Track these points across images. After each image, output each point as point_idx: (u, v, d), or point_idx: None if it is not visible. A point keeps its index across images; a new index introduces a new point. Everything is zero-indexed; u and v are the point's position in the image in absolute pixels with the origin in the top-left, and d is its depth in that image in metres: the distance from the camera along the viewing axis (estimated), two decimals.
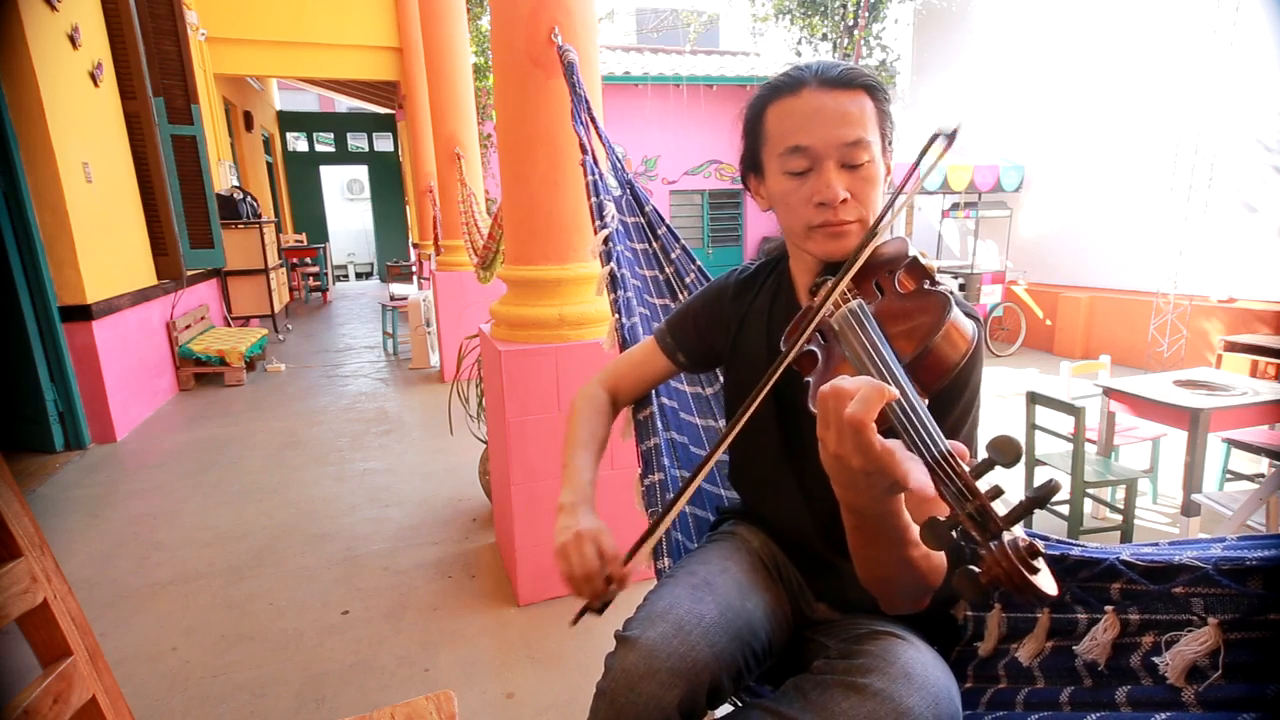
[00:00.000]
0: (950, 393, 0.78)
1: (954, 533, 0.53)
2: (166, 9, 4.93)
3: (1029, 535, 0.91)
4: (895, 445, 0.58)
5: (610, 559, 0.87)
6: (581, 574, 0.85)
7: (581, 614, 0.88)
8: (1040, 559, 0.50)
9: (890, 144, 0.86)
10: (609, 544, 0.88)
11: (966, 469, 0.54)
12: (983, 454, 0.54)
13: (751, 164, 0.92)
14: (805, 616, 0.98)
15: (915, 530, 0.68)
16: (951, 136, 0.71)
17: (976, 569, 0.51)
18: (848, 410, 0.58)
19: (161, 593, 2.32)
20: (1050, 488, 0.50)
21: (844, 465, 0.60)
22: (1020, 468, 2.77)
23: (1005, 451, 0.52)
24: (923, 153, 0.72)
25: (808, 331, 0.76)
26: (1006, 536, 0.50)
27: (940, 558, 0.72)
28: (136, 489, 3.23)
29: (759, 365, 0.97)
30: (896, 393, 0.59)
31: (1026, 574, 0.49)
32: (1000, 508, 0.52)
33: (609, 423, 1.10)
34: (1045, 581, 0.49)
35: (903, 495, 0.64)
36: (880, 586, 0.74)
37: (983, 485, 0.53)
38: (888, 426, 0.59)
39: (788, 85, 0.84)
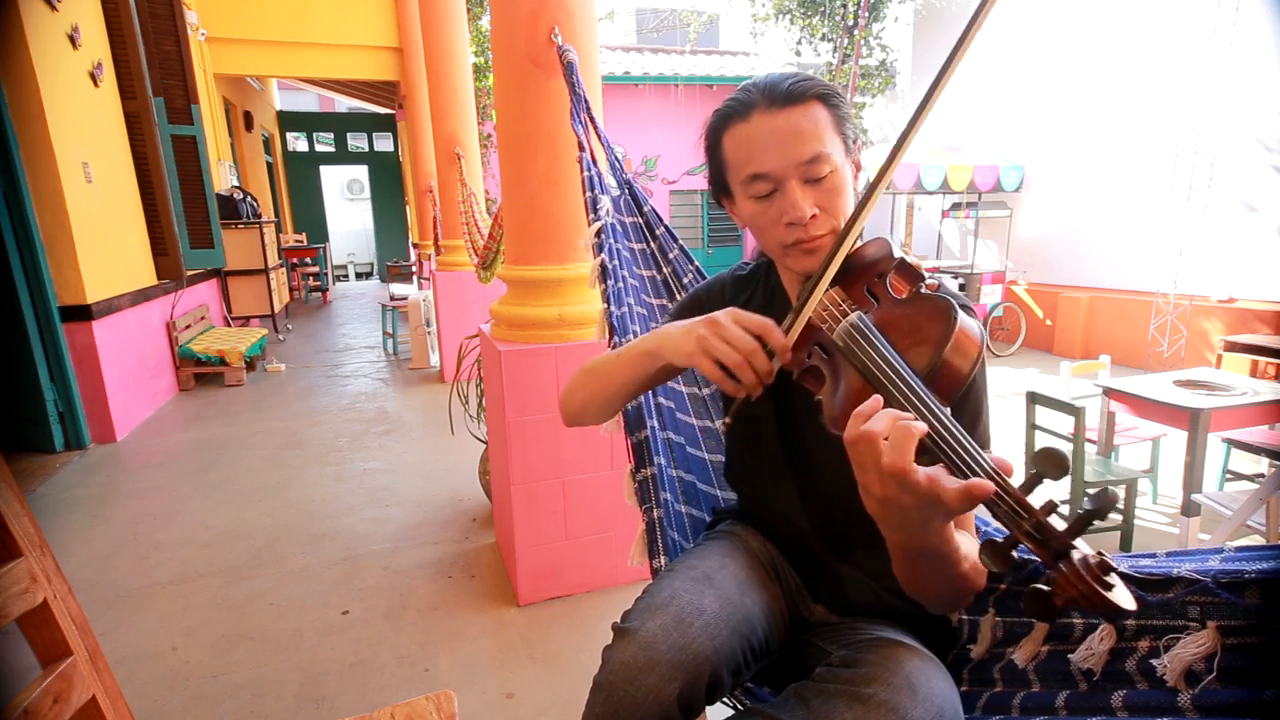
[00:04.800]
0: (964, 403, 0.79)
1: (1014, 552, 0.52)
2: (166, 9, 4.93)
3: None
4: (938, 473, 0.57)
5: (763, 329, 0.76)
6: (743, 356, 0.74)
7: (739, 407, 0.79)
8: (1113, 574, 0.49)
9: (854, 142, 0.85)
10: (751, 316, 0.77)
11: (1015, 486, 0.53)
12: (1029, 469, 0.53)
13: (720, 187, 0.91)
14: (803, 619, 0.98)
15: (963, 547, 0.68)
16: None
17: (1046, 588, 0.50)
18: (884, 460, 0.57)
19: (161, 593, 2.32)
20: (1109, 499, 0.49)
21: (893, 507, 0.59)
22: (1020, 468, 2.76)
23: (1052, 465, 0.51)
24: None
25: (796, 325, 0.76)
26: (1076, 554, 0.49)
27: (981, 565, 0.73)
28: (136, 489, 3.24)
29: None
30: (925, 428, 0.58)
31: (1104, 592, 0.48)
32: (1057, 522, 0.51)
33: None
34: (1122, 597, 0.49)
35: (952, 522, 0.63)
36: (926, 599, 0.75)
37: (1034, 501, 0.52)
38: (926, 453, 0.58)
39: (737, 111, 0.83)
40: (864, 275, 0.78)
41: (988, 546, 0.53)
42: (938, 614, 0.78)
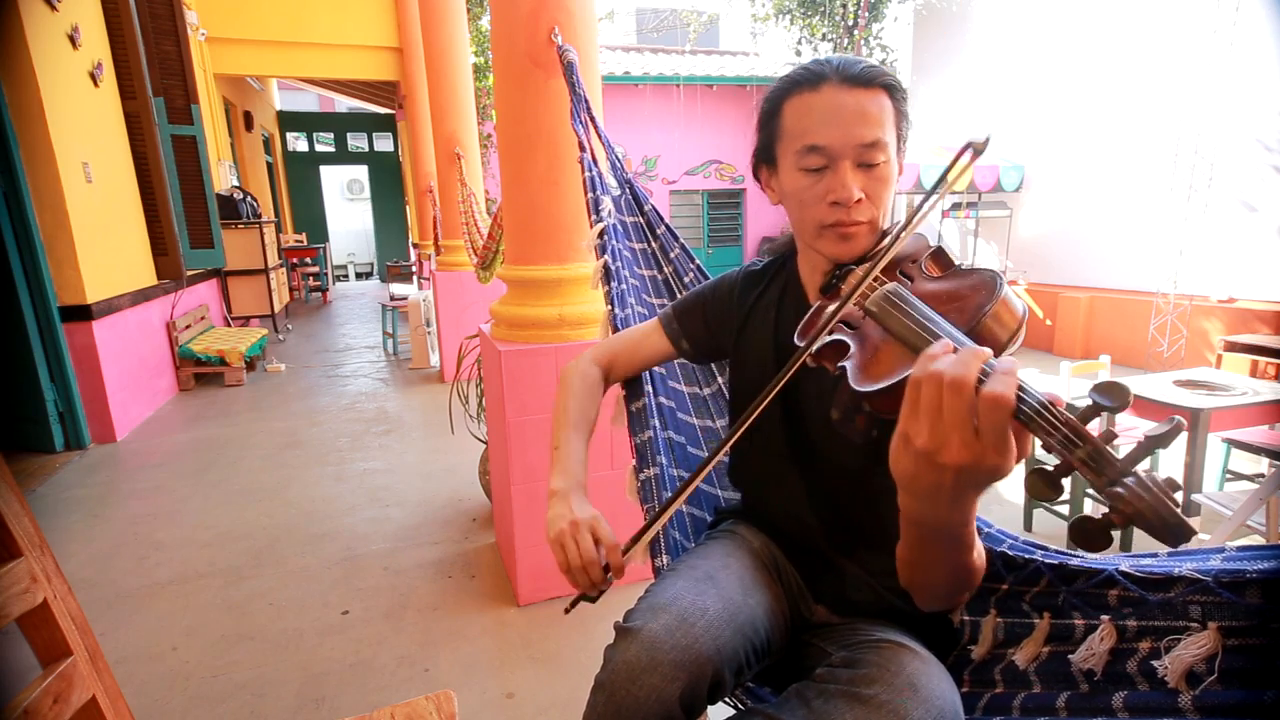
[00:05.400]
0: None
1: (1065, 480, 0.51)
2: (166, 9, 4.93)
3: (1007, 536, 0.91)
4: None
5: (609, 548, 0.86)
6: (579, 565, 0.84)
7: (576, 602, 0.87)
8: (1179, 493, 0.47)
9: (904, 143, 0.86)
10: (606, 532, 0.87)
11: (1068, 415, 0.51)
12: (1088, 400, 0.51)
13: (765, 156, 0.90)
14: (804, 619, 0.98)
15: (975, 533, 0.66)
16: (981, 149, 0.67)
17: (1095, 517, 0.48)
18: (948, 374, 0.52)
19: (161, 593, 2.32)
20: (1176, 426, 0.48)
21: (933, 462, 0.54)
22: (1020, 467, 2.76)
23: (1112, 395, 0.49)
24: (952, 163, 0.69)
25: (830, 324, 0.74)
26: (1142, 473, 0.48)
27: (983, 554, 0.71)
28: (136, 489, 3.24)
29: (765, 363, 0.96)
30: (989, 352, 0.54)
31: (1173, 505, 0.46)
32: (1114, 452, 0.50)
33: (599, 402, 1.09)
34: (1185, 518, 0.47)
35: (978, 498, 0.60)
36: (923, 590, 0.73)
37: (1095, 432, 0.50)
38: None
39: (808, 80, 0.82)
40: (899, 263, 0.79)
41: (1037, 474, 0.50)
42: (929, 610, 0.77)
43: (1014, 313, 0.66)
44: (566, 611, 0.89)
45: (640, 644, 0.77)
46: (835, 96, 0.80)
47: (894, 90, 0.82)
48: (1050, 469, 0.51)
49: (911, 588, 0.74)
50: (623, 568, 0.86)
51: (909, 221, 0.74)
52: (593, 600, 0.86)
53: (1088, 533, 0.49)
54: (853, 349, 0.71)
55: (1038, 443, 0.55)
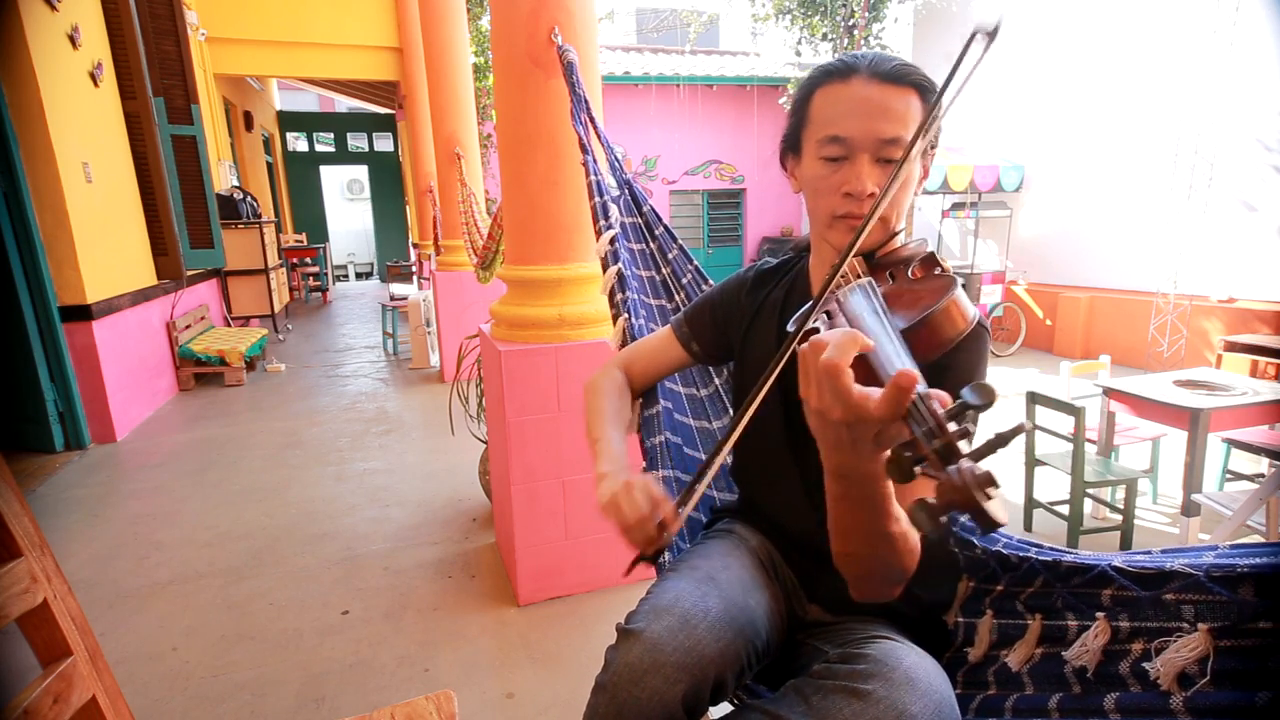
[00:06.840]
0: (948, 383, 0.79)
1: (917, 468, 0.53)
2: (166, 9, 4.93)
3: (1014, 541, 0.91)
4: (873, 392, 0.58)
5: (660, 503, 0.86)
6: (634, 520, 0.84)
7: (636, 563, 0.88)
8: (996, 489, 0.49)
9: (932, 147, 0.86)
10: (657, 490, 0.87)
11: (940, 410, 0.54)
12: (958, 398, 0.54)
13: (791, 143, 0.92)
14: (798, 618, 0.98)
15: (899, 514, 0.68)
16: (993, 34, 0.63)
17: (908, 453, 0.52)
18: (822, 357, 0.57)
19: (161, 593, 2.33)
20: (1018, 428, 0.51)
21: (826, 420, 0.59)
22: (1020, 467, 2.77)
23: (980, 394, 0.53)
24: (960, 56, 0.65)
25: (815, 309, 0.77)
26: (965, 464, 0.50)
27: (917, 540, 0.72)
28: (136, 489, 3.24)
29: (768, 356, 0.97)
30: (871, 343, 0.60)
31: (979, 500, 0.48)
32: (966, 446, 0.52)
33: (629, 403, 1.11)
34: (997, 509, 0.49)
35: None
36: (854, 565, 0.73)
37: (954, 427, 0.53)
38: (870, 378, 0.60)
39: (839, 71, 0.84)
40: (894, 264, 0.82)
41: (893, 458, 0.54)
42: (863, 599, 0.77)
43: (963, 314, 0.72)
44: (626, 574, 0.89)
45: (643, 646, 0.77)
46: (863, 89, 0.81)
47: (925, 91, 0.82)
48: (906, 455, 0.54)
49: (842, 563, 0.74)
50: (678, 523, 0.86)
51: (894, 175, 0.74)
52: (652, 560, 0.87)
53: (920, 516, 0.52)
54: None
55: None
